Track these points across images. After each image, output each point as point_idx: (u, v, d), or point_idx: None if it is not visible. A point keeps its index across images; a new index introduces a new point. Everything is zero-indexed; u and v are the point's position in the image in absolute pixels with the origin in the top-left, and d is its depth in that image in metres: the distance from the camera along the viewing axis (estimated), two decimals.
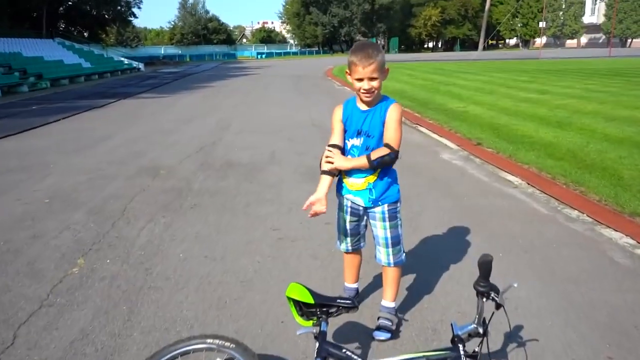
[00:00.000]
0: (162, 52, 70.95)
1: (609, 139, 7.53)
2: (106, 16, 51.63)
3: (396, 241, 2.63)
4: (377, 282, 3.17)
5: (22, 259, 3.73)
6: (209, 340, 2.05)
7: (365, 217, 2.68)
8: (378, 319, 2.73)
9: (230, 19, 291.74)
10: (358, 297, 3.03)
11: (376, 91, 2.39)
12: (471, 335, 2.05)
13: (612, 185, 5.24)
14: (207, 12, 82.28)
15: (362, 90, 2.39)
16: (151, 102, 15.63)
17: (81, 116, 12.24)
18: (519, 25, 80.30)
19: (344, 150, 2.55)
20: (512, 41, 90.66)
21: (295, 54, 78.96)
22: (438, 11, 79.08)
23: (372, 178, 2.50)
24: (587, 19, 78.90)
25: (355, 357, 2.01)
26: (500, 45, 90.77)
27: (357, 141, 2.50)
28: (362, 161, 2.42)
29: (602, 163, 6.12)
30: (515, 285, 1.96)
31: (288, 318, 2.72)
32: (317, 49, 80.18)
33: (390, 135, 2.40)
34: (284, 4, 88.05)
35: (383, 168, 2.48)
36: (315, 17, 76.57)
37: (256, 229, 4.32)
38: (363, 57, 2.31)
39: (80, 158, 7.29)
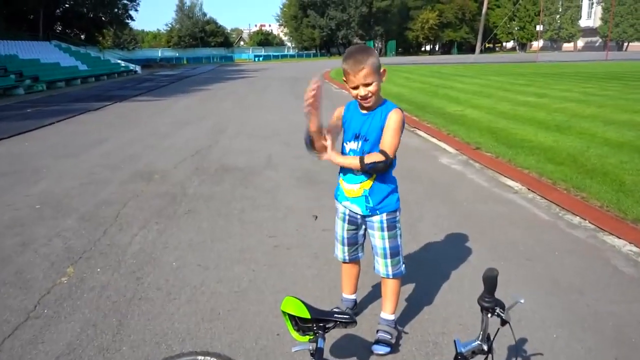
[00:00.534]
0: (159, 55, 70.79)
1: (609, 143, 7.46)
2: (103, 18, 51.50)
3: (395, 252, 2.54)
4: (376, 293, 3.07)
5: (10, 268, 3.62)
6: (199, 358, 1.95)
7: (363, 226, 2.59)
8: (377, 332, 2.63)
9: (227, 22, 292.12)
10: (356, 309, 2.93)
11: (373, 96, 2.30)
12: (475, 352, 1.95)
13: (614, 191, 5.15)
14: (204, 14, 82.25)
15: (359, 98, 2.31)
16: (147, 105, 15.52)
17: (76, 119, 12.12)
18: (515, 28, 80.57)
19: (343, 152, 2.47)
20: (509, 44, 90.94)
21: (292, 56, 78.97)
22: (435, 14, 79.24)
23: (367, 184, 2.40)
24: (584, 22, 79.23)
25: None
26: (497, 49, 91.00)
27: (354, 145, 2.41)
28: (354, 161, 2.32)
29: (603, 168, 6.04)
30: (522, 301, 1.86)
31: (284, 331, 2.63)
32: (314, 51, 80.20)
33: (387, 141, 2.30)
34: (281, 6, 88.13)
35: (380, 175, 2.38)
36: (312, 20, 76.60)
37: (251, 235, 4.22)
38: (353, 64, 2.23)
39: (73, 162, 7.18)
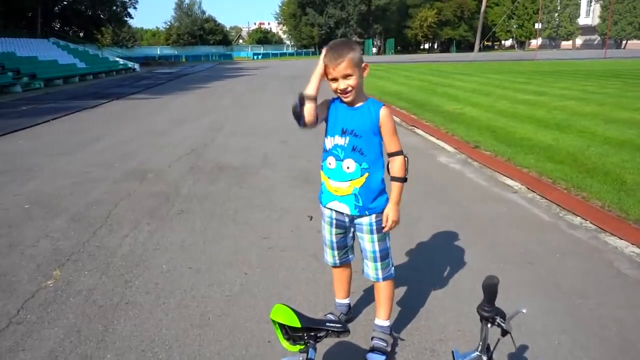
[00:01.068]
0: (158, 53, 70.65)
1: (609, 141, 7.35)
2: (102, 16, 51.35)
3: (385, 254, 2.44)
4: (370, 297, 2.96)
5: None
6: None
7: (352, 229, 2.48)
8: (372, 339, 2.53)
9: (226, 20, 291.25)
10: (351, 313, 2.83)
11: (353, 90, 2.22)
12: None
13: (615, 191, 5.05)
14: (203, 12, 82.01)
15: (338, 91, 2.23)
16: (144, 102, 15.40)
17: (72, 117, 11.99)
18: (514, 26, 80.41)
19: (325, 149, 2.40)
20: (508, 42, 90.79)
21: (291, 54, 78.78)
22: (434, 12, 79.04)
23: (358, 182, 2.30)
24: (582, 20, 79.12)
25: None
26: (496, 47, 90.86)
27: (341, 140, 2.30)
28: (399, 188, 2.35)
29: (604, 167, 5.93)
30: (524, 311, 1.76)
31: (275, 337, 2.50)
32: (313, 49, 79.92)
33: (393, 142, 2.33)
34: (280, 4, 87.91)
35: (372, 174, 2.31)
36: (311, 18, 76.40)
37: (245, 237, 4.11)
38: (333, 56, 2.17)
39: (66, 161, 7.06)
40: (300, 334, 1.99)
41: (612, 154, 6.58)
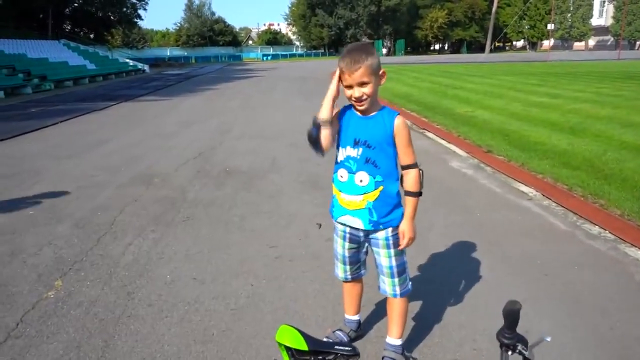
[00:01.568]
0: (168, 54, 70.94)
1: (627, 146, 7.16)
2: (112, 18, 51.61)
3: (402, 269, 2.33)
4: (381, 311, 2.84)
5: None
6: None
7: (366, 244, 2.36)
8: (382, 358, 2.41)
9: (236, 21, 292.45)
10: (361, 330, 2.70)
11: (368, 98, 2.10)
12: None
13: (635, 198, 4.88)
14: (213, 13, 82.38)
15: (352, 99, 2.11)
16: (153, 104, 15.37)
17: (80, 119, 11.97)
18: (526, 27, 79.74)
19: (336, 161, 2.27)
20: (519, 43, 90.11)
21: (301, 55, 78.78)
22: (445, 13, 78.65)
23: (372, 196, 2.19)
24: (595, 21, 78.18)
25: None
26: (507, 48, 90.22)
27: (353, 152, 2.18)
28: (414, 203, 2.24)
29: (622, 173, 5.76)
30: (549, 339, 1.62)
31: (280, 357, 2.40)
32: (323, 50, 79.89)
33: (408, 154, 2.20)
34: (289, 5, 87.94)
35: (387, 186, 2.19)
36: (321, 19, 76.33)
37: (251, 245, 4.00)
38: (349, 62, 2.04)
39: (72, 164, 7.00)
40: (307, 358, 1.88)
41: (630, 159, 6.40)
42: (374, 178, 2.17)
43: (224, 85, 23.21)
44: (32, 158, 7.44)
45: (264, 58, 73.75)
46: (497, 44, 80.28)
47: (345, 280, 2.52)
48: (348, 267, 2.44)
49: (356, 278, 2.50)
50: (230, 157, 7.32)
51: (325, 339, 2.60)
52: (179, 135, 9.39)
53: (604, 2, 77.93)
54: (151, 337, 2.73)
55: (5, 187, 5.78)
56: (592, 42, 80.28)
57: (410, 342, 2.64)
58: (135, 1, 52.54)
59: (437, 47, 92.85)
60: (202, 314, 2.96)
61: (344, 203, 2.25)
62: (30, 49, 29.41)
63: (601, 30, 77.20)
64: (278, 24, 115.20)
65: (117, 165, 6.87)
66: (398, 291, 2.34)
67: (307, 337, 1.94)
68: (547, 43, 70.51)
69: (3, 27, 32.92)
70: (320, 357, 1.86)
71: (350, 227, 2.28)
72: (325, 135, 2.15)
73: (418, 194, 2.22)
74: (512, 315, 1.70)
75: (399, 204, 2.25)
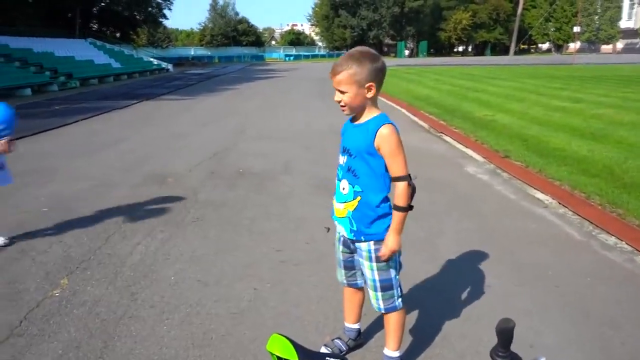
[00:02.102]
0: (192, 53, 71.72)
1: None
2: (137, 17, 52.34)
3: (387, 285, 2.24)
4: (382, 321, 2.77)
5: (3, 277, 3.47)
6: None
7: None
8: None
9: (260, 21, 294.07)
10: (360, 339, 2.65)
11: (347, 107, 2.08)
12: None
13: None
14: (237, 14, 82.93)
15: (335, 101, 2.10)
16: (173, 104, 15.53)
17: (100, 117, 12.15)
18: (552, 29, 78.35)
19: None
20: (545, 46, 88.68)
21: (323, 56, 78.80)
22: (469, 15, 77.80)
23: (351, 205, 2.16)
24: (624, 23, 76.47)
25: None
26: (532, 50, 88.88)
27: (342, 159, 2.19)
28: (399, 217, 2.10)
29: None
30: (543, 359, 1.57)
31: None
32: (345, 51, 79.13)
33: (393, 167, 2.07)
34: (313, 6, 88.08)
35: (366, 196, 2.13)
36: (344, 20, 76.25)
37: (258, 248, 3.98)
38: (334, 65, 2.05)
39: (88, 163, 7.10)
40: None
41: None
42: (353, 187, 2.14)
43: (244, 86, 23.35)
44: (50, 156, 7.57)
45: (287, 58, 74.06)
46: (521, 47, 78.96)
47: (344, 285, 2.48)
48: (343, 272, 2.42)
49: (353, 286, 2.46)
50: (244, 158, 7.33)
51: (323, 347, 2.57)
52: (195, 135, 9.45)
53: (634, 4, 76.18)
54: (150, 339, 2.73)
55: (23, 184, 5.87)
56: (620, 45, 78.50)
57: (411, 352, 2.58)
58: (161, 1, 53.21)
59: (460, 49, 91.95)
60: (203, 317, 2.95)
61: (335, 210, 2.28)
62: (57, 48, 30.00)
63: (630, 33, 75.48)
64: (301, 25, 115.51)
65: (132, 164, 6.94)
66: (382, 305, 2.28)
67: (297, 348, 1.91)
68: (573, 46, 69.27)
69: (32, 26, 33.68)
70: None
71: (342, 231, 2.27)
72: None
73: (404, 209, 2.09)
74: (505, 333, 1.65)
75: (383, 217, 2.15)
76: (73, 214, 4.84)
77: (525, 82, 21.01)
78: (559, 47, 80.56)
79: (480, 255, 3.82)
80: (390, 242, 2.12)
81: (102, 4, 48.12)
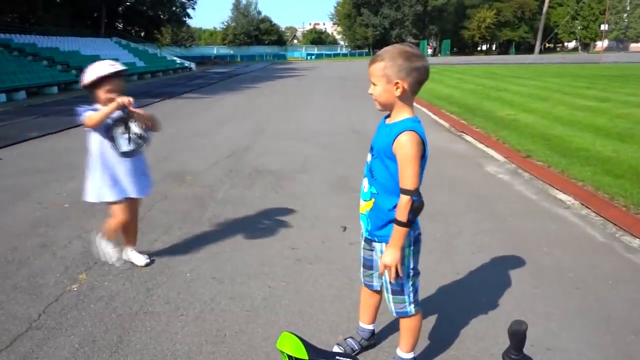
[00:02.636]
0: (215, 52, 72.41)
1: None
2: (161, 16, 53.07)
3: (397, 290, 2.19)
4: (397, 321, 2.75)
5: (24, 271, 3.54)
6: None
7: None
8: None
9: (282, 20, 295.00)
10: (373, 340, 2.62)
11: (377, 101, 2.06)
12: None
13: None
14: (259, 13, 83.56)
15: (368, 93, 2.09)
16: (194, 102, 15.67)
17: None
18: (578, 27, 76.98)
19: None
20: (571, 44, 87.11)
21: (345, 55, 78.80)
22: (493, 13, 76.93)
23: (368, 205, 2.13)
24: None
25: None
26: (558, 49, 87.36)
27: (368, 157, 2.16)
28: (397, 232, 2.01)
29: None
30: None
31: None
32: (367, 50, 79.55)
33: (401, 174, 1.98)
34: (335, 5, 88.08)
35: (381, 198, 2.08)
36: (366, 19, 76.09)
37: (273, 246, 3.99)
38: (373, 56, 2.04)
39: None
40: None
41: None
42: (370, 188, 2.11)
43: (265, 84, 23.44)
44: (72, 153, 7.68)
45: (308, 57, 74.18)
46: (547, 45, 77.75)
47: (362, 284, 2.46)
48: (362, 270, 2.39)
49: (369, 287, 2.42)
50: (262, 157, 7.35)
51: (336, 346, 2.56)
52: (215, 133, 9.52)
53: None
54: (165, 334, 2.75)
55: (44, 181, 5.99)
56: None
57: (425, 353, 2.55)
58: (185, 0, 53.88)
59: (484, 47, 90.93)
60: (217, 314, 2.97)
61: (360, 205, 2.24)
62: (84, 47, 30.60)
63: None
64: (323, 24, 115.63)
65: (151, 162, 6.89)
66: (393, 308, 2.25)
67: (307, 346, 1.91)
68: (600, 44, 67.85)
69: (59, 25, 34.41)
70: None
71: None
72: None
73: (402, 224, 1.99)
74: (517, 335, 1.62)
75: (393, 222, 2.07)
76: (93, 210, 4.88)
77: (550, 81, 20.65)
78: (585, 46, 79.05)
79: (499, 257, 3.76)
80: (385, 257, 2.06)
81: (128, 3, 48.94)
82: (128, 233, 3.61)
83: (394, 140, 1.97)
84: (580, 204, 4.98)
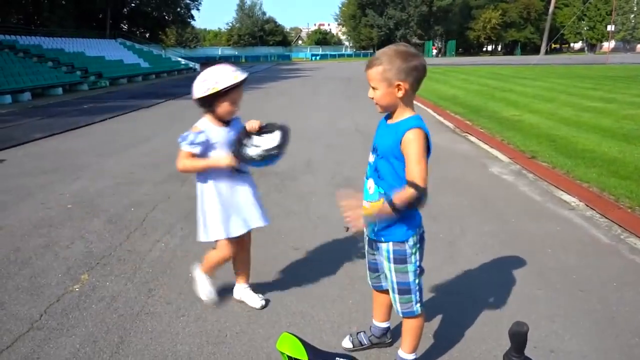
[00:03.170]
0: (219, 53, 72.53)
1: None
2: (166, 17, 53.22)
3: (404, 289, 2.18)
4: None
5: (26, 272, 3.54)
6: None
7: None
8: None
9: (287, 21, 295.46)
10: (385, 339, 2.59)
11: (378, 104, 2.04)
12: None
13: None
14: (264, 13, 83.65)
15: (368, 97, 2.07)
16: None
17: (126, 116, 12.37)
18: (585, 28, 76.64)
19: None
20: (577, 45, 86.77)
21: (350, 56, 78.78)
22: (498, 14, 76.71)
23: (377, 204, 2.09)
24: None
25: None
26: (564, 50, 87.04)
27: (371, 158, 2.14)
28: (386, 211, 1.98)
29: None
30: None
31: None
32: (372, 51, 79.39)
33: (411, 169, 1.93)
34: (340, 6, 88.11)
35: (387, 200, 2.03)
36: (371, 19, 76.05)
37: (276, 246, 3.98)
38: (369, 60, 2.03)
39: (114, 161, 7.22)
40: None
41: None
42: (378, 188, 2.08)
43: (269, 85, 23.44)
44: (76, 154, 7.72)
45: (313, 58, 74.20)
46: (553, 46, 77.49)
47: (371, 287, 2.45)
48: (369, 273, 2.39)
49: (378, 288, 2.41)
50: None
51: (346, 338, 2.59)
52: None
53: None
54: (166, 335, 2.74)
55: (49, 181, 6.01)
56: None
57: (427, 355, 2.53)
58: (189, 1, 54.00)
59: (489, 48, 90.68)
60: (218, 314, 2.96)
61: (363, 207, 2.19)
62: (88, 48, 30.70)
63: None
64: (328, 24, 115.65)
65: (155, 162, 7.03)
66: (399, 309, 2.24)
67: (307, 347, 1.89)
68: (607, 45, 67.52)
69: (64, 26, 34.56)
70: None
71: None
72: None
73: (394, 209, 1.96)
74: (518, 337, 1.60)
75: (402, 219, 2.08)
76: (96, 211, 4.92)
77: (555, 82, 20.55)
78: (592, 46, 78.71)
79: (502, 258, 3.74)
80: (372, 209, 2.05)
81: (132, 4, 49.10)
82: (239, 266, 3.12)
83: (401, 139, 1.96)
84: (585, 205, 4.94)
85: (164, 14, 52.22)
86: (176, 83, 25.91)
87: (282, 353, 1.90)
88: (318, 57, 75.19)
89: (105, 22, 42.22)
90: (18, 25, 33.27)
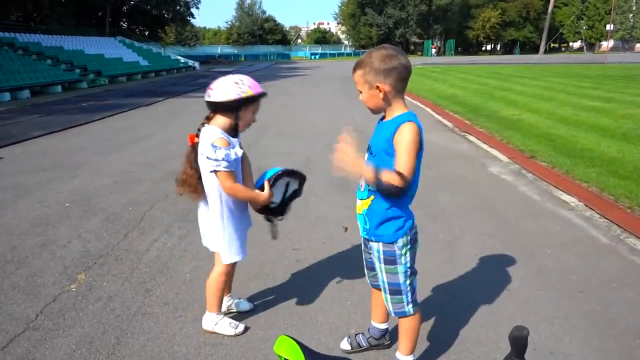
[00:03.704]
0: (219, 52, 72.47)
1: None
2: (166, 16, 53.13)
3: (395, 289, 2.17)
4: None
5: (23, 271, 3.52)
6: None
7: None
8: None
9: (286, 20, 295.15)
10: (384, 340, 2.58)
11: (367, 106, 2.07)
12: None
13: None
14: (263, 12, 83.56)
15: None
16: (197, 101, 15.55)
17: (125, 115, 12.33)
18: (584, 27, 76.64)
19: None
20: (576, 44, 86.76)
21: (349, 54, 78.64)
22: (497, 13, 76.68)
23: (365, 204, 2.11)
24: None
25: None
26: (563, 49, 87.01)
27: (365, 156, 2.15)
28: (368, 172, 1.95)
29: None
30: None
31: None
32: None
33: (400, 160, 1.93)
34: (339, 4, 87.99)
35: (377, 197, 2.06)
36: (370, 18, 75.98)
37: (274, 247, 3.95)
38: (354, 64, 2.04)
39: (112, 159, 7.19)
40: None
41: None
42: (368, 185, 2.07)
43: (268, 84, 23.37)
44: (75, 151, 7.69)
45: (312, 57, 74.10)
46: (552, 45, 77.46)
47: (369, 285, 2.44)
48: (367, 272, 2.39)
49: (376, 287, 2.39)
50: (265, 156, 7.31)
51: (345, 339, 2.57)
52: None
53: None
54: (163, 336, 2.72)
55: (47, 179, 5.98)
56: None
57: (425, 357, 2.52)
58: (189, 0, 53.90)
59: (488, 47, 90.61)
60: None
61: (356, 206, 2.22)
62: (88, 46, 30.63)
63: None
64: (328, 23, 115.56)
65: (154, 161, 7.00)
66: (391, 309, 2.23)
67: (304, 349, 1.87)
68: (606, 44, 67.51)
69: (64, 24, 34.46)
70: None
71: None
72: None
73: (378, 185, 1.93)
74: (518, 341, 1.58)
75: (392, 219, 2.07)
76: (94, 209, 4.89)
77: (554, 81, 20.53)
78: (591, 46, 78.70)
79: (501, 258, 3.72)
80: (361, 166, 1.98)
81: (132, 2, 49.02)
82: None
83: (395, 133, 1.95)
84: (584, 205, 4.93)
85: (164, 12, 52.15)
86: (175, 81, 25.85)
87: (280, 356, 1.88)
88: (317, 56, 75.07)
89: (105, 20, 42.13)
90: (17, 22, 33.16)
